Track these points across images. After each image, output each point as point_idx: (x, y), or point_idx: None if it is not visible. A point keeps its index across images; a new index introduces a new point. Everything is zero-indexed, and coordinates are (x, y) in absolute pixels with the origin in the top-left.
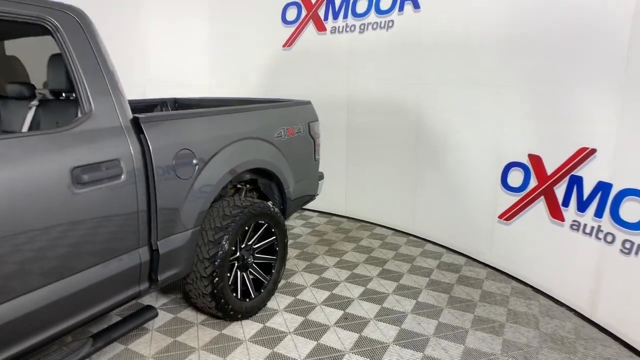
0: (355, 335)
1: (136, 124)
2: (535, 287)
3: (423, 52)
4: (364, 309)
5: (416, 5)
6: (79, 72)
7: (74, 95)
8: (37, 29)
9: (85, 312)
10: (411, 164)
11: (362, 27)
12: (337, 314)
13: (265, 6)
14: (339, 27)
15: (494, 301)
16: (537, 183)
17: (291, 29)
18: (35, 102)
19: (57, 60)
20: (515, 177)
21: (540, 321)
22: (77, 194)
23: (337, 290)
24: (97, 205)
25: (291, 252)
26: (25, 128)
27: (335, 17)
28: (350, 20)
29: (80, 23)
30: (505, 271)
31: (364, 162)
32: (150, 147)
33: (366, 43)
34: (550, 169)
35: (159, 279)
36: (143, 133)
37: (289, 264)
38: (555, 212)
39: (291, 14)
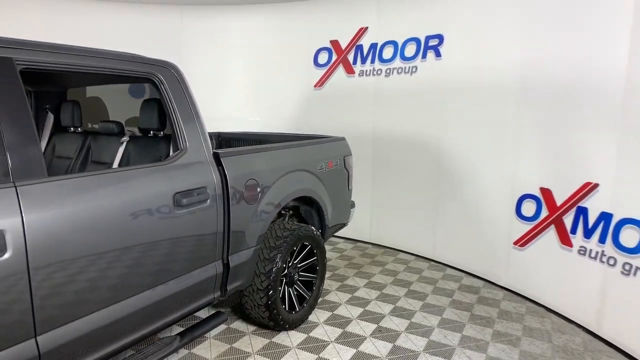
0: (390, 345)
1: (217, 157)
2: (548, 306)
3: (443, 95)
4: (395, 323)
5: (438, 54)
6: (177, 116)
7: (161, 133)
8: (144, 79)
9: (176, 312)
10: (432, 195)
11: (387, 71)
12: (372, 327)
13: (299, 50)
14: (366, 70)
15: (510, 318)
16: (547, 213)
17: (322, 71)
18: (126, 138)
19: (150, 104)
20: (528, 208)
21: (553, 335)
22: (177, 214)
23: (369, 307)
24: (190, 224)
25: None
26: (117, 160)
27: (364, 61)
28: (377, 64)
29: (177, 76)
30: (521, 293)
31: (388, 192)
32: (227, 177)
33: (391, 85)
34: (559, 200)
35: (227, 288)
36: (222, 165)
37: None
38: (564, 239)
39: (322, 58)
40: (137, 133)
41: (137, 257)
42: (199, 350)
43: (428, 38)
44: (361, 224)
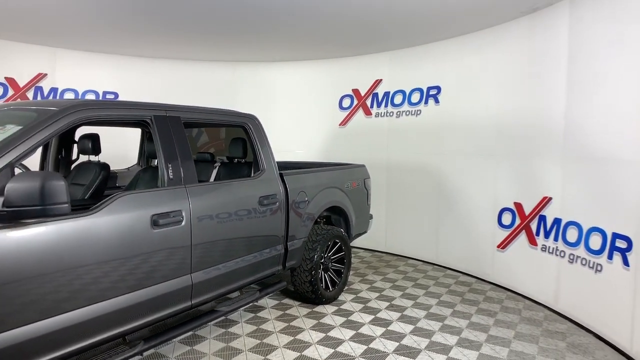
0: (399, 314)
1: (281, 176)
2: (522, 294)
3: (442, 132)
4: (404, 303)
5: (437, 101)
6: (259, 148)
7: (244, 160)
8: (238, 125)
9: (261, 272)
10: (434, 210)
11: (398, 113)
12: (385, 304)
13: (327, 97)
14: (381, 112)
15: (492, 301)
16: (520, 221)
17: (345, 113)
18: (218, 164)
19: (237, 142)
20: (507, 218)
21: (522, 312)
22: (261, 210)
23: (384, 293)
24: (267, 217)
25: None
26: (212, 178)
27: (379, 105)
28: (390, 108)
29: (258, 123)
30: (504, 285)
31: (399, 209)
32: (288, 189)
33: (401, 124)
34: (527, 210)
35: (286, 265)
36: (284, 181)
37: None
38: (532, 240)
39: (346, 102)
40: (225, 160)
41: (241, 232)
42: (262, 313)
43: (429, 88)
44: (377, 236)
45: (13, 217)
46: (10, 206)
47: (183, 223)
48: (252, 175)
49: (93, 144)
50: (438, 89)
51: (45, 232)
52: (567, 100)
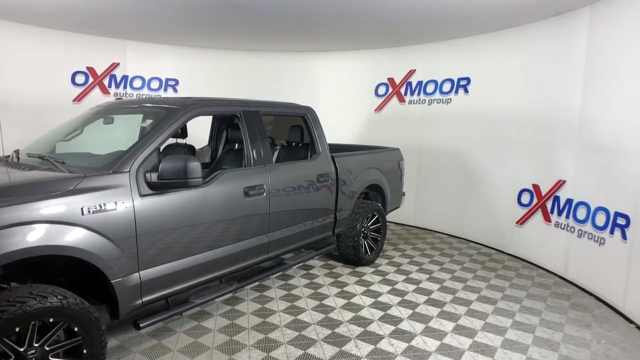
0: (427, 276)
1: (332, 157)
2: (536, 263)
3: (470, 119)
4: (431, 267)
5: (466, 91)
6: (315, 135)
7: (301, 144)
8: (299, 116)
9: (314, 237)
10: (460, 190)
11: (430, 101)
12: (416, 268)
13: (365, 84)
14: (414, 100)
15: (509, 269)
16: (537, 200)
17: (381, 100)
18: (278, 147)
19: (296, 129)
20: (525, 197)
21: (535, 278)
22: (318, 185)
23: (414, 259)
24: (323, 192)
25: None
26: (274, 159)
27: (412, 94)
28: (422, 96)
29: (314, 114)
30: (521, 257)
31: (428, 188)
32: (338, 168)
33: (432, 111)
34: (544, 191)
35: (335, 231)
36: (334, 162)
37: None
38: (547, 217)
39: (381, 90)
40: (285, 144)
41: (303, 203)
42: (313, 270)
43: (459, 79)
44: (407, 212)
45: (164, 186)
46: (162, 179)
47: (264, 194)
48: (310, 157)
49: (182, 130)
50: (468, 80)
51: (182, 198)
52: (583, 96)
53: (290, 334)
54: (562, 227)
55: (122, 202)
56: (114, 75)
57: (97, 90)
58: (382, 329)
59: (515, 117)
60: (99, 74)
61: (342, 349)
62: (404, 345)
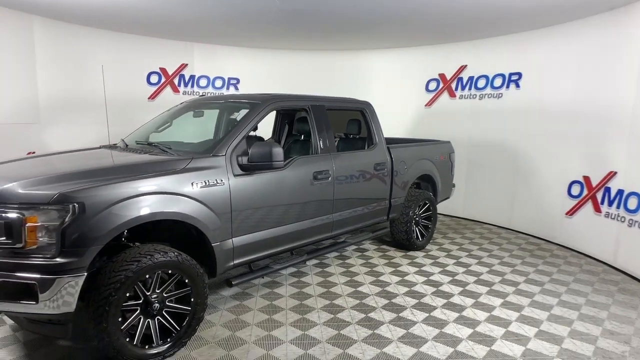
0: (476, 261)
1: (388, 148)
2: (585, 253)
3: (521, 113)
4: (480, 254)
5: (517, 86)
6: (373, 127)
7: (358, 135)
8: (357, 110)
9: (370, 220)
10: (509, 182)
11: (480, 96)
12: (465, 254)
13: (415, 80)
14: (464, 95)
15: (557, 257)
16: (587, 192)
17: (431, 95)
18: (337, 139)
19: (354, 122)
20: (575, 189)
21: (584, 266)
22: (375, 173)
23: (463, 246)
24: (379, 179)
25: None
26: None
27: (463, 89)
28: (473, 91)
29: (372, 108)
30: (569, 247)
31: (478, 181)
32: (393, 158)
33: (483, 106)
34: (594, 183)
35: (389, 216)
36: (390, 153)
37: None
38: (597, 208)
39: (432, 85)
40: (343, 136)
41: (362, 188)
42: (368, 252)
43: (510, 74)
44: (455, 203)
45: (253, 168)
46: (252, 162)
47: (330, 179)
48: (368, 147)
49: None
50: (519, 74)
51: (265, 178)
52: (637, 90)
53: (351, 301)
54: (613, 217)
55: (221, 179)
56: (183, 75)
57: (168, 89)
58: (435, 301)
59: (566, 110)
60: (170, 74)
61: (400, 314)
62: (455, 314)
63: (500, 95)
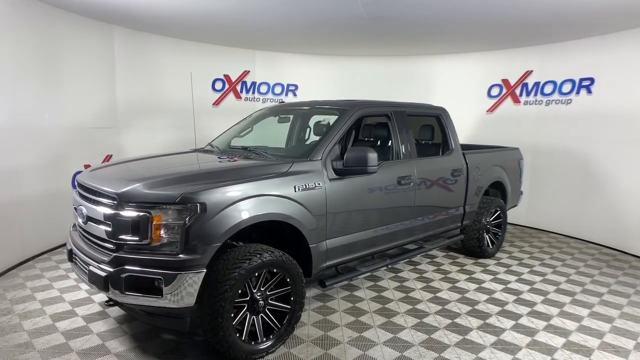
0: (551, 270)
1: (463, 154)
2: None
3: (592, 120)
4: (553, 262)
5: (589, 91)
6: (449, 133)
7: (431, 141)
8: (433, 116)
9: (446, 226)
10: (579, 190)
11: (547, 102)
12: (538, 262)
13: (476, 86)
14: (530, 101)
15: (637, 269)
16: None
17: (493, 101)
18: None
19: (427, 128)
20: None
21: None
22: (452, 179)
23: (534, 255)
24: (455, 185)
25: None
26: None
27: (528, 95)
28: (539, 97)
29: (447, 113)
30: None
31: (543, 188)
32: (468, 165)
33: (549, 112)
34: None
35: (463, 223)
36: (465, 159)
37: None
38: None
39: (494, 91)
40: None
41: (440, 194)
42: (439, 259)
43: (581, 79)
44: (518, 211)
45: (347, 172)
46: (347, 166)
47: (411, 184)
48: (443, 153)
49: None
50: (591, 80)
51: (356, 182)
52: None
53: (433, 307)
54: None
55: (319, 183)
56: (245, 81)
57: (231, 95)
58: (519, 309)
59: None
60: (233, 80)
61: (486, 321)
62: (543, 323)
63: (569, 101)
